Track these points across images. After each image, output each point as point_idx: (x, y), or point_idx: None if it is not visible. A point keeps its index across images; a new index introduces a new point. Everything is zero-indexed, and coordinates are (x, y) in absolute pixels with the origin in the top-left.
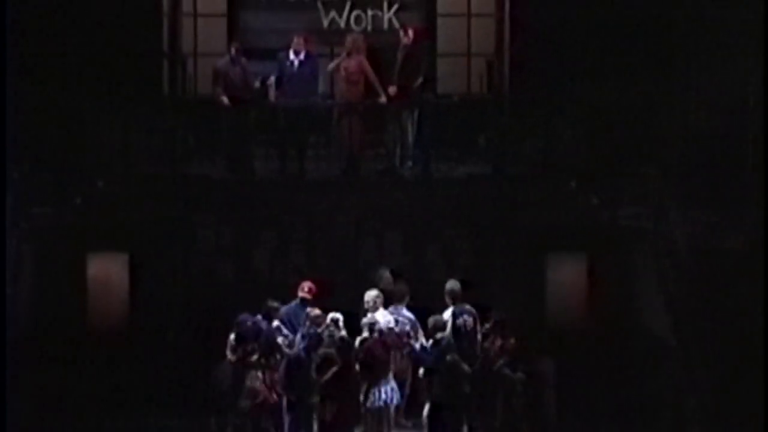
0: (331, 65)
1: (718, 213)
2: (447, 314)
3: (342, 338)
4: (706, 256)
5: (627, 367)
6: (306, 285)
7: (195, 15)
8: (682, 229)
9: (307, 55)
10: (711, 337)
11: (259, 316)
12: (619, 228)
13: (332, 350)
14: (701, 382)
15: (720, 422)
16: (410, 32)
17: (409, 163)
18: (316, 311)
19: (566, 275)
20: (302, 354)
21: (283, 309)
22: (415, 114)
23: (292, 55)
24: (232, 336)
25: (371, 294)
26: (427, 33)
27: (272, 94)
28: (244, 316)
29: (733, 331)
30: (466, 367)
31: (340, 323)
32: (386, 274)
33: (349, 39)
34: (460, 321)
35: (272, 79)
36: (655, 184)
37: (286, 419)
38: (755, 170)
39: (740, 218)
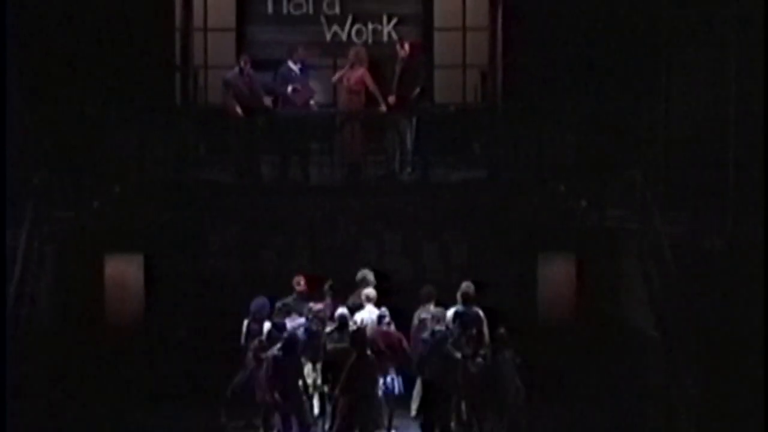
0: (335, 77)
1: (699, 215)
2: (450, 312)
3: (356, 331)
4: (688, 255)
5: (613, 358)
6: (301, 280)
7: (205, 29)
8: (664, 229)
9: (303, 66)
10: (692, 331)
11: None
12: (605, 229)
13: (345, 344)
14: (684, 373)
15: (702, 409)
16: (406, 46)
17: (408, 169)
18: (319, 306)
19: (556, 273)
20: (279, 354)
21: (278, 303)
22: (414, 122)
23: (291, 65)
24: (267, 326)
25: (366, 291)
26: (422, 47)
27: (301, 98)
28: (261, 300)
29: (713, 325)
30: (458, 356)
31: (348, 319)
32: (370, 275)
33: (352, 51)
34: (458, 321)
35: (299, 85)
36: (640, 187)
37: (277, 417)
38: (734, 175)
39: (719, 219)
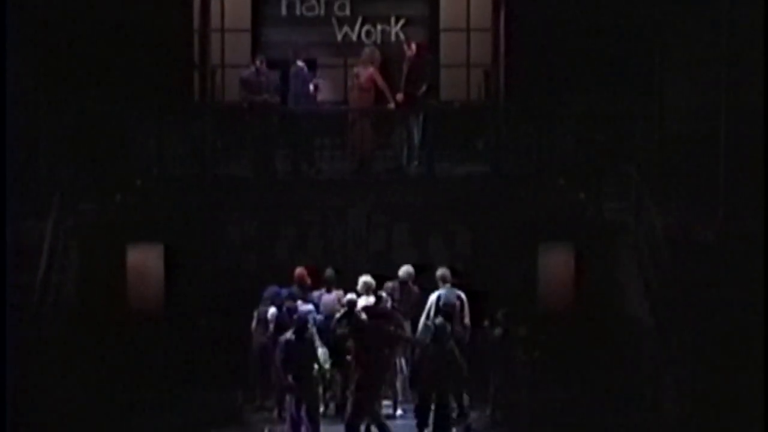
0: (351, 81)
1: (691, 207)
2: (433, 296)
3: (358, 321)
4: (681, 246)
5: (609, 345)
6: (303, 273)
7: (222, 30)
8: (659, 221)
9: (315, 64)
10: (685, 318)
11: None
12: (603, 221)
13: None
14: (675, 359)
15: (692, 395)
16: (413, 47)
17: (415, 163)
18: (330, 296)
19: (556, 263)
20: (292, 337)
21: (284, 292)
22: (420, 118)
23: (300, 63)
24: (272, 311)
25: (364, 280)
26: (428, 47)
27: (320, 95)
28: (273, 288)
29: (706, 313)
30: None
31: (356, 305)
32: (410, 269)
33: (365, 51)
34: (441, 303)
35: (320, 81)
36: (635, 181)
37: (289, 399)
38: (725, 169)
39: (711, 212)
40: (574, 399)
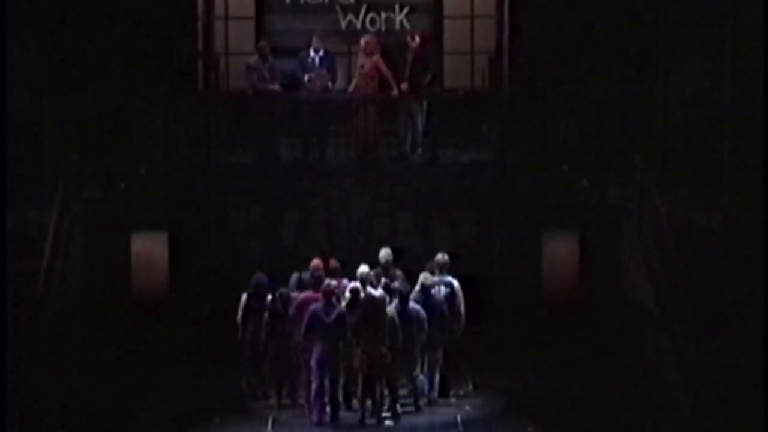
0: (358, 69)
1: (695, 194)
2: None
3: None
4: (685, 232)
5: (613, 331)
6: (319, 264)
7: (226, 18)
8: (662, 208)
9: (325, 52)
10: (689, 305)
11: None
12: (607, 207)
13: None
14: (680, 345)
15: (698, 381)
16: (417, 38)
17: (419, 151)
18: (334, 282)
19: (560, 250)
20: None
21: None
22: (425, 106)
23: (312, 53)
24: (243, 297)
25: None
26: (432, 38)
27: (319, 84)
28: (260, 276)
29: (710, 299)
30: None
31: (360, 293)
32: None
33: (364, 41)
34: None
35: (324, 71)
36: (639, 168)
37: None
38: (729, 155)
39: (715, 198)
40: (577, 387)
